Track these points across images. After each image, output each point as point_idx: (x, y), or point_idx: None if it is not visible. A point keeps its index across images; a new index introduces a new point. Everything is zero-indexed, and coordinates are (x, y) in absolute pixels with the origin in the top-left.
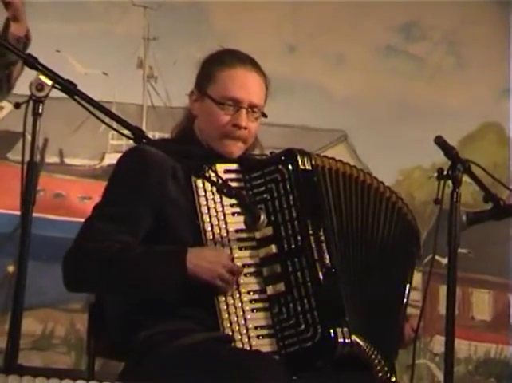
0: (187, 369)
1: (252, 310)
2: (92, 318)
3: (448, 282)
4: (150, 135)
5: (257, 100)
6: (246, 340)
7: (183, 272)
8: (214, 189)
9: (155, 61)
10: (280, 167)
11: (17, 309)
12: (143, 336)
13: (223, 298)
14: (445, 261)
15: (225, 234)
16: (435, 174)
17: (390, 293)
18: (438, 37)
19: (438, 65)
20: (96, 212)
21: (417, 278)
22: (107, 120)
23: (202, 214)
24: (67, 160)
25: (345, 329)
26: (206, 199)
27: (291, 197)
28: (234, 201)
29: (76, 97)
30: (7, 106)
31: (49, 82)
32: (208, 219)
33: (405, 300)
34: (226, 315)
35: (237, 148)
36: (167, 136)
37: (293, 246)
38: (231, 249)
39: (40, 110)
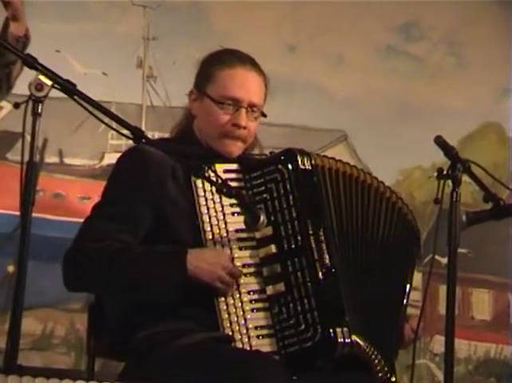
0: (187, 369)
1: (252, 310)
2: (91, 318)
3: (448, 282)
4: (149, 135)
5: (256, 100)
6: (246, 340)
7: (183, 273)
8: (214, 189)
9: (154, 60)
10: (280, 166)
11: (17, 309)
12: (143, 336)
13: (223, 298)
14: (445, 261)
15: (224, 234)
16: (435, 174)
17: (390, 293)
18: (438, 37)
19: (438, 65)
20: (95, 212)
21: (417, 277)
22: (106, 120)
23: (201, 214)
24: (66, 160)
25: (345, 329)
26: (206, 199)
27: (291, 197)
28: (233, 201)
29: (75, 97)
30: (7, 106)
31: (49, 82)
32: (208, 219)
33: (405, 300)
34: (226, 315)
35: (236, 148)
36: (166, 135)
37: (293, 246)
38: (231, 249)
39: (39, 110)
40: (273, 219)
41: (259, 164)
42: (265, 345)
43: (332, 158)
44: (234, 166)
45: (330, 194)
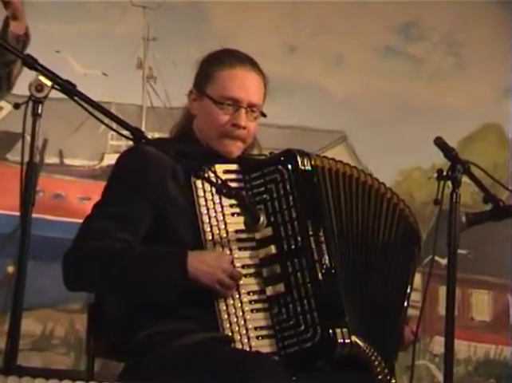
0: (186, 370)
1: (252, 311)
2: (91, 319)
3: (448, 283)
4: (149, 135)
5: (256, 100)
6: (246, 340)
7: (183, 275)
8: (214, 189)
9: (154, 61)
10: (279, 167)
11: (17, 310)
12: (143, 336)
13: (223, 299)
14: (445, 262)
15: (224, 235)
16: (435, 175)
17: (390, 294)
18: (437, 38)
19: (437, 65)
20: (95, 211)
21: (417, 278)
22: (106, 120)
23: (201, 214)
24: (66, 161)
25: (345, 329)
26: (206, 200)
27: (291, 197)
28: (233, 201)
29: (75, 98)
30: (7, 107)
31: (49, 83)
32: (207, 220)
33: (406, 302)
34: (226, 316)
35: (236, 148)
36: (166, 136)
37: (292, 246)
38: (231, 249)
39: (39, 111)
40: (272, 219)
41: (259, 165)
42: (264, 346)
43: (332, 159)
44: (234, 166)
45: (330, 194)
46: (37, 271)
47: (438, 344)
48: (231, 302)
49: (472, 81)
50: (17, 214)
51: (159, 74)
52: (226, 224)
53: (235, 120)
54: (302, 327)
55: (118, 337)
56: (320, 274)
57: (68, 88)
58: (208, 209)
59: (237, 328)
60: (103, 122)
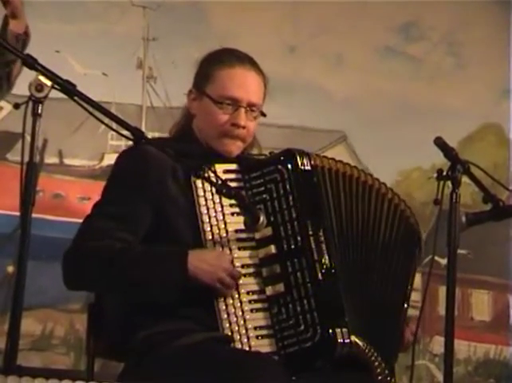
0: (186, 370)
1: (251, 311)
2: (91, 319)
3: (448, 283)
4: (149, 135)
5: (255, 100)
6: (246, 340)
7: (183, 274)
8: (214, 189)
9: (154, 61)
10: (279, 167)
11: (17, 310)
12: (143, 336)
13: (222, 298)
14: (444, 262)
15: (224, 235)
16: (435, 175)
17: (391, 295)
18: (437, 38)
19: (437, 65)
20: (95, 210)
21: (417, 278)
22: (106, 120)
23: (201, 214)
24: (66, 161)
25: (345, 329)
26: (206, 199)
27: (290, 197)
28: (233, 201)
29: (75, 98)
30: (6, 107)
31: (49, 83)
32: (207, 219)
33: (406, 303)
34: (226, 315)
35: (236, 147)
36: (166, 136)
37: (292, 246)
38: (230, 249)
39: (39, 111)
40: (272, 219)
41: (259, 165)
42: (264, 346)
43: (332, 158)
44: (234, 166)
45: (330, 194)
46: (37, 271)
47: (438, 344)
48: (231, 301)
49: (472, 81)
50: (17, 214)
51: (159, 74)
52: (225, 224)
53: (235, 120)
54: (302, 327)
55: (118, 337)
56: (320, 274)
57: (68, 88)
58: (208, 209)
59: (236, 328)
60: (103, 122)
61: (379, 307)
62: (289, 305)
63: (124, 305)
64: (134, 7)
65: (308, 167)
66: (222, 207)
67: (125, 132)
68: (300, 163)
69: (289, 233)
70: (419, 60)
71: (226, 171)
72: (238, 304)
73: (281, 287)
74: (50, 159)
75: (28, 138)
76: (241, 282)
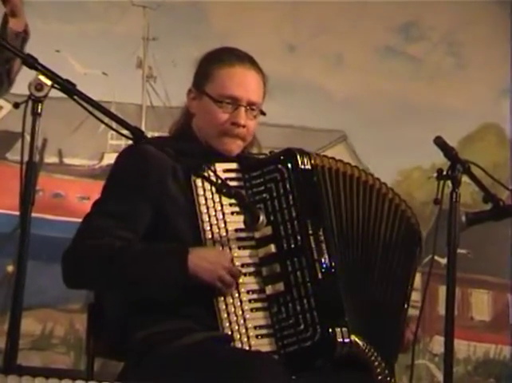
0: (186, 369)
1: (251, 310)
2: (91, 318)
3: (447, 283)
4: (149, 135)
5: (255, 98)
6: (246, 339)
7: (183, 271)
8: (214, 188)
9: (154, 61)
10: (279, 166)
11: (17, 309)
12: (143, 336)
13: (222, 298)
14: (444, 261)
15: (224, 234)
16: (435, 174)
17: (391, 295)
18: (437, 38)
19: (437, 65)
20: (95, 209)
21: (416, 278)
22: (106, 120)
23: (201, 213)
24: (66, 160)
25: (344, 329)
26: (206, 199)
27: (290, 197)
28: (233, 200)
29: (75, 97)
30: (6, 106)
31: (49, 82)
32: (207, 219)
33: (406, 303)
34: (225, 315)
35: (236, 146)
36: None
37: (292, 245)
38: (230, 248)
39: (39, 110)
40: (272, 218)
41: (259, 164)
42: (264, 345)
43: (333, 158)
44: (234, 165)
45: (330, 194)
46: (37, 271)
47: (437, 343)
48: (231, 300)
49: (472, 81)
50: (17, 213)
51: (159, 74)
52: (225, 223)
53: (235, 119)
54: (302, 326)
55: (118, 337)
56: (319, 274)
57: (68, 88)
58: (208, 208)
59: (236, 327)
60: (103, 121)
61: (379, 307)
62: (289, 304)
63: (123, 305)
64: (134, 7)
65: (308, 167)
66: (221, 206)
67: (125, 132)
68: (300, 163)
69: (289, 232)
70: (419, 60)
71: (226, 171)
72: (238, 303)
73: (280, 286)
74: (50, 158)
75: (28, 137)
76: (241, 281)
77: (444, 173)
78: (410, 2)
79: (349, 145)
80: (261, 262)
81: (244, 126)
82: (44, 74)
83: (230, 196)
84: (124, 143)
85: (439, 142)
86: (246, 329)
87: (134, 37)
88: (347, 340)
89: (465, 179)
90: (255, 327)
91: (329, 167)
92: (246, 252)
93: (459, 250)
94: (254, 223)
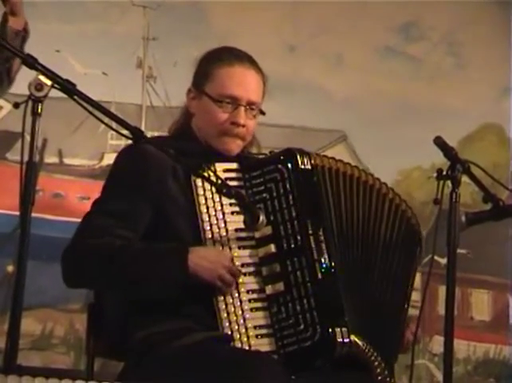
0: (186, 369)
1: (251, 310)
2: (91, 318)
3: (447, 283)
4: (149, 135)
5: (255, 98)
6: (245, 339)
7: (184, 270)
8: (214, 188)
9: (154, 61)
10: (279, 166)
11: (17, 309)
12: (142, 335)
13: (222, 297)
14: (444, 261)
15: (224, 234)
16: (435, 174)
17: (391, 295)
18: (437, 38)
19: (437, 65)
20: (95, 208)
21: (416, 278)
22: (106, 120)
23: (201, 213)
24: (66, 160)
25: (344, 329)
26: (206, 198)
27: (290, 197)
28: (233, 200)
29: (75, 97)
30: (6, 106)
31: (49, 82)
32: (207, 218)
33: (406, 303)
34: (225, 314)
35: (235, 145)
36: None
37: (292, 245)
38: (230, 248)
39: (39, 110)
40: (272, 218)
41: (259, 164)
42: (264, 345)
43: (333, 158)
44: (234, 165)
45: (330, 194)
46: (37, 271)
47: (437, 343)
48: (230, 300)
49: (472, 81)
50: (17, 213)
51: (159, 74)
52: (225, 223)
53: (234, 118)
54: (302, 326)
55: (118, 337)
56: (319, 274)
57: (68, 88)
58: (208, 208)
59: (236, 327)
60: (103, 121)
61: (379, 307)
62: (289, 304)
63: (123, 304)
64: (134, 7)
65: (308, 167)
66: (221, 205)
67: (125, 132)
68: (300, 163)
69: (289, 232)
70: (419, 60)
71: (226, 170)
72: (238, 303)
73: (280, 286)
74: (50, 158)
75: (27, 137)
76: (240, 280)
77: (444, 173)
78: (410, 2)
79: (349, 145)
80: (261, 262)
81: (244, 126)
82: (44, 74)
83: (230, 196)
84: (123, 143)
85: (439, 142)
86: (246, 328)
87: (134, 37)
88: (347, 340)
89: (465, 179)
90: (255, 327)
91: (329, 167)
92: (246, 252)
93: (459, 250)
94: (254, 223)
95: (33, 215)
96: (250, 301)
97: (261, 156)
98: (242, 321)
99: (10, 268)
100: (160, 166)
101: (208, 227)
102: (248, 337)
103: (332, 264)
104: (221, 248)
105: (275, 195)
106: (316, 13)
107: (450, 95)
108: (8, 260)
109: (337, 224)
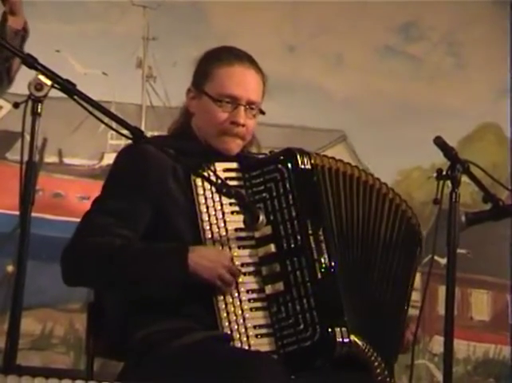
0: (186, 369)
1: (251, 309)
2: (91, 318)
3: (447, 283)
4: (149, 135)
5: (255, 97)
6: (245, 339)
7: (183, 270)
8: (214, 188)
9: (154, 61)
10: (279, 166)
11: (17, 309)
12: (142, 335)
13: (222, 297)
14: (444, 261)
15: (224, 233)
16: (435, 174)
17: (391, 295)
18: (437, 38)
19: (437, 65)
20: (95, 207)
21: (416, 278)
22: (106, 119)
23: (201, 212)
24: (66, 160)
25: (344, 328)
26: (205, 198)
27: (290, 196)
28: (233, 200)
29: (75, 97)
30: (6, 106)
31: (48, 82)
32: (207, 218)
33: (406, 303)
34: (225, 314)
35: (235, 145)
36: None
37: (292, 245)
38: (230, 248)
39: (39, 110)
40: (272, 218)
41: (259, 164)
42: (263, 345)
43: (333, 158)
44: (234, 165)
45: (330, 193)
46: (37, 271)
47: (437, 343)
48: (230, 300)
49: (472, 81)
50: (17, 213)
51: (159, 74)
52: (225, 222)
53: (234, 118)
54: (301, 326)
55: (117, 337)
56: (319, 273)
57: (68, 88)
58: (208, 207)
59: (236, 326)
60: (102, 121)
61: (379, 307)
62: (289, 304)
63: (123, 304)
64: (134, 7)
65: (308, 167)
66: (221, 205)
67: (125, 132)
68: (300, 163)
69: (288, 232)
70: (419, 60)
71: (226, 170)
72: (238, 303)
73: (280, 286)
74: (50, 158)
75: (27, 137)
76: (240, 280)
77: (444, 173)
78: (410, 2)
79: (349, 145)
80: (260, 262)
81: (243, 125)
82: (44, 74)
83: (229, 196)
84: (123, 143)
85: (439, 142)
86: (246, 328)
87: (134, 37)
88: (346, 340)
89: (464, 179)
90: (255, 326)
91: (329, 167)
92: (246, 252)
93: (459, 250)
94: (254, 223)
95: (33, 214)
96: (249, 300)
97: (261, 156)
98: (241, 320)
99: (10, 268)
100: (160, 166)
101: (208, 227)
102: (248, 337)
103: (332, 264)
104: (221, 248)
105: (275, 195)
106: (316, 13)
107: (450, 95)
108: (8, 260)
109: (337, 224)
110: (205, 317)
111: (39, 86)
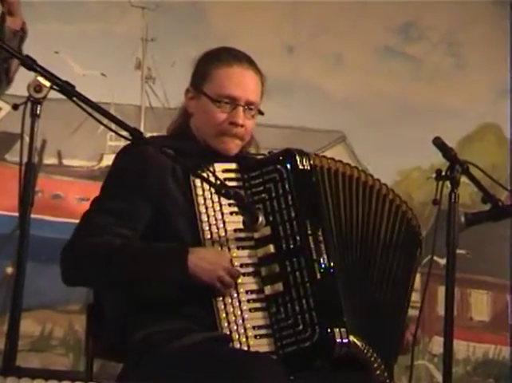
0: (185, 370)
1: (250, 310)
2: (90, 319)
3: (447, 283)
4: (148, 136)
5: (253, 98)
6: (244, 340)
7: (183, 271)
8: (213, 188)
9: (153, 62)
10: (278, 166)
11: (16, 311)
12: (142, 336)
13: (221, 298)
14: (443, 262)
15: (223, 234)
16: (434, 175)
17: (391, 296)
18: (437, 38)
19: (436, 65)
20: (94, 206)
21: (416, 278)
22: (105, 121)
23: (200, 213)
24: (65, 161)
25: (343, 329)
26: (205, 199)
27: (289, 197)
28: (232, 200)
29: (74, 98)
30: (5, 107)
31: (47, 83)
32: (206, 219)
33: (406, 304)
34: (224, 315)
35: (234, 145)
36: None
37: (291, 246)
38: (229, 248)
39: (38, 111)
40: (271, 219)
41: (258, 164)
42: (262, 345)
43: (332, 158)
44: (233, 165)
45: (329, 194)
46: (36, 272)
47: (437, 344)
48: (230, 300)
49: (471, 81)
50: (16, 214)
51: (158, 75)
52: (224, 223)
53: (233, 119)
54: (300, 326)
55: (117, 338)
56: (318, 274)
57: (67, 89)
58: (207, 208)
59: (235, 327)
60: (102, 123)
61: (378, 308)
62: (288, 304)
63: (123, 304)
64: (133, 8)
65: (307, 167)
66: (220, 206)
67: (124, 133)
68: (299, 163)
69: (288, 232)
70: (419, 60)
71: (225, 171)
72: (237, 303)
73: (279, 287)
74: (49, 159)
75: (26, 139)
76: (240, 281)
77: (443, 174)
78: (410, 2)
79: (348, 146)
80: (260, 263)
81: (242, 126)
82: (43, 75)
83: (229, 196)
84: (123, 144)
85: (438, 143)
86: (245, 329)
87: (133, 37)
88: (345, 340)
89: (464, 179)
90: (254, 327)
91: (328, 168)
92: (245, 252)
93: (458, 251)
94: (253, 224)
95: (33, 216)
96: (248, 301)
97: (259, 157)
98: (240, 321)
99: (10, 269)
100: (160, 166)
101: (207, 227)
102: (247, 338)
103: (331, 264)
104: (220, 248)
105: (274, 196)
106: (316, 13)
107: (450, 95)
108: (7, 261)
109: (336, 225)
110: (204, 317)
111: (38, 88)
